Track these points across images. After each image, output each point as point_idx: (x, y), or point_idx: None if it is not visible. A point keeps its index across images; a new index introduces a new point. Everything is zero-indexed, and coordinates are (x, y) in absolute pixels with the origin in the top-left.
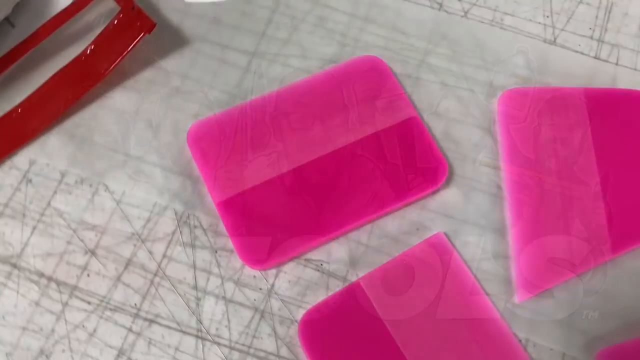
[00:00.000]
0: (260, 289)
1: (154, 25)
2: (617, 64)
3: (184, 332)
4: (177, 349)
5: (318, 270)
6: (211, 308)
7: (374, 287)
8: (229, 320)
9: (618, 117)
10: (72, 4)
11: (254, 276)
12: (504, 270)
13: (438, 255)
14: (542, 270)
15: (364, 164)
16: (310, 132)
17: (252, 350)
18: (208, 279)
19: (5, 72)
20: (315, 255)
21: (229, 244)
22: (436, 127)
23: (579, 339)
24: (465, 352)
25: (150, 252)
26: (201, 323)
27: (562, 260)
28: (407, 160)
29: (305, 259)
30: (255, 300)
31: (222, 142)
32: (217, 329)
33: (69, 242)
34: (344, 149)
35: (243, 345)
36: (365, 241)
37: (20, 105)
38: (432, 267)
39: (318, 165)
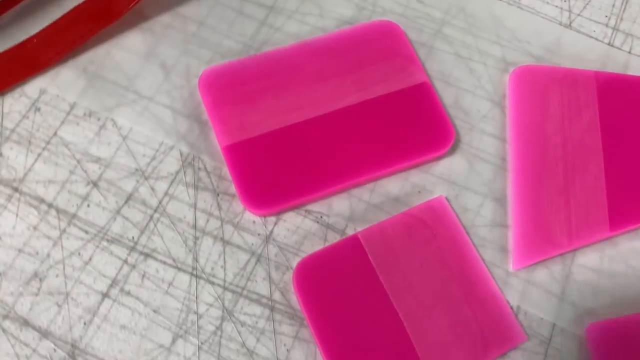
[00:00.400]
0: (259, 234)
1: None
2: (630, 52)
3: (179, 269)
4: (170, 284)
5: (317, 222)
6: (208, 248)
7: (372, 241)
8: (224, 261)
9: (627, 101)
10: None
11: (254, 221)
12: (501, 238)
13: (437, 217)
14: (539, 241)
15: (372, 123)
16: (322, 87)
17: (245, 292)
18: (208, 220)
19: (24, 3)
20: (316, 207)
21: (232, 188)
22: (447, 96)
23: (570, 312)
24: (457, 312)
25: (152, 189)
26: (197, 261)
27: (560, 233)
28: (415, 124)
29: (306, 210)
30: (252, 244)
31: (233, 89)
32: (212, 269)
33: (72, 172)
34: (353, 106)
35: (237, 286)
36: (367, 198)
37: (36, 35)
38: (430, 228)
39: (326, 120)
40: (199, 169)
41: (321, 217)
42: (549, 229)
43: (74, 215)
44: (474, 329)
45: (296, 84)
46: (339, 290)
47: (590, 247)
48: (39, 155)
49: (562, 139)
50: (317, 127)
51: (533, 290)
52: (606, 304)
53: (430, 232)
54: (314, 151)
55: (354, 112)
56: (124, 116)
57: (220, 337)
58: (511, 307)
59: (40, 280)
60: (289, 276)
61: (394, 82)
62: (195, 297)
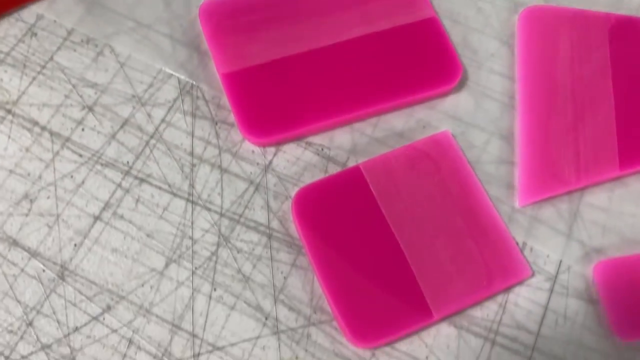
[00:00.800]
0: (258, 163)
1: None
2: None
3: (175, 195)
4: (165, 209)
5: (318, 154)
6: (205, 175)
7: (374, 172)
8: (222, 189)
9: (639, 44)
10: None
11: (253, 151)
12: (507, 175)
13: (442, 151)
14: (546, 178)
15: (377, 56)
16: (326, 19)
17: (242, 220)
18: (205, 148)
19: None
20: (317, 139)
21: (230, 118)
22: (454, 34)
23: (577, 249)
24: (460, 244)
25: (149, 115)
26: (193, 187)
27: (568, 171)
28: (421, 58)
29: (306, 142)
30: (251, 173)
31: (234, 19)
32: (209, 195)
33: (67, 96)
34: (358, 39)
35: (234, 213)
36: (370, 133)
37: None
38: (434, 162)
39: (330, 51)
40: (198, 97)
41: (322, 149)
42: (556, 165)
43: (67, 139)
44: (477, 261)
45: (300, 15)
46: (339, 220)
47: (599, 187)
48: (34, 78)
49: (571, 79)
50: (320, 59)
51: (539, 227)
52: (614, 243)
53: (434, 164)
54: (316, 82)
55: (358, 44)
56: (123, 44)
57: (216, 262)
58: (516, 243)
59: (31, 201)
60: (287, 205)
61: (401, 16)
62: (190, 222)
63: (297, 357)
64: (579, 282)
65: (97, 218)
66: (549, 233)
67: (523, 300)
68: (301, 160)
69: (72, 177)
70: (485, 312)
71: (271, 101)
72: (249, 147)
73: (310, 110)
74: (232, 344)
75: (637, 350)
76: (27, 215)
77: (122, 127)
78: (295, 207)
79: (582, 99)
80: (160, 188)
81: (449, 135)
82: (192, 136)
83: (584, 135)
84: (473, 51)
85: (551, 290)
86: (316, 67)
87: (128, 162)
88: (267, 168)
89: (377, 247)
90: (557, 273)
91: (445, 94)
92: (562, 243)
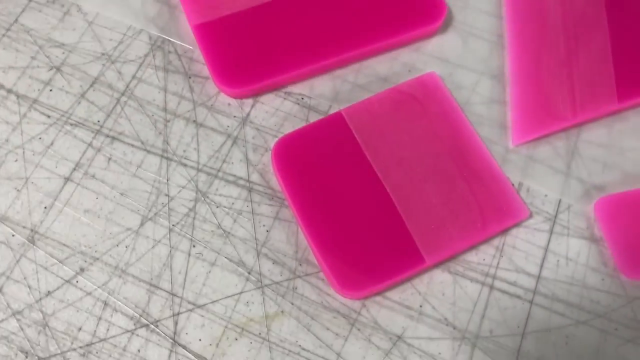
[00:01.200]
0: (235, 116)
1: None
2: None
3: (148, 152)
4: (139, 166)
5: (298, 104)
6: (180, 130)
7: (357, 117)
8: (198, 144)
9: None
10: None
11: (229, 104)
12: (500, 115)
13: (429, 93)
14: (540, 115)
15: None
16: None
17: (220, 174)
18: (179, 103)
19: None
20: (296, 88)
21: (205, 71)
22: None
23: (577, 187)
24: (451, 187)
25: (120, 73)
26: (168, 144)
27: (563, 106)
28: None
29: (285, 92)
30: (228, 127)
31: None
32: (184, 151)
33: (33, 58)
34: None
35: (212, 168)
36: (352, 79)
37: None
38: (421, 103)
39: None
40: (169, 52)
41: (302, 98)
42: (550, 102)
43: (35, 100)
44: (470, 204)
45: None
46: (321, 168)
47: (597, 123)
48: None
49: (562, 11)
50: (296, 3)
51: (536, 166)
52: (616, 179)
53: (421, 107)
54: (293, 28)
55: None
56: (90, 2)
57: (194, 219)
58: (512, 184)
59: None
60: (267, 158)
61: None
62: (166, 179)
63: (282, 311)
64: (580, 221)
65: (67, 179)
66: (546, 172)
67: (521, 243)
68: (280, 111)
69: (40, 138)
70: (482, 256)
71: (246, 50)
72: (224, 99)
73: (288, 57)
74: (214, 301)
75: None
76: None
77: (91, 85)
78: (275, 158)
79: (574, 32)
80: (132, 145)
81: (435, 76)
82: (165, 91)
83: (579, 69)
84: None
85: (551, 231)
86: (292, 13)
87: (99, 121)
88: (244, 120)
89: (362, 195)
90: (557, 213)
91: (430, 35)
92: (561, 181)
